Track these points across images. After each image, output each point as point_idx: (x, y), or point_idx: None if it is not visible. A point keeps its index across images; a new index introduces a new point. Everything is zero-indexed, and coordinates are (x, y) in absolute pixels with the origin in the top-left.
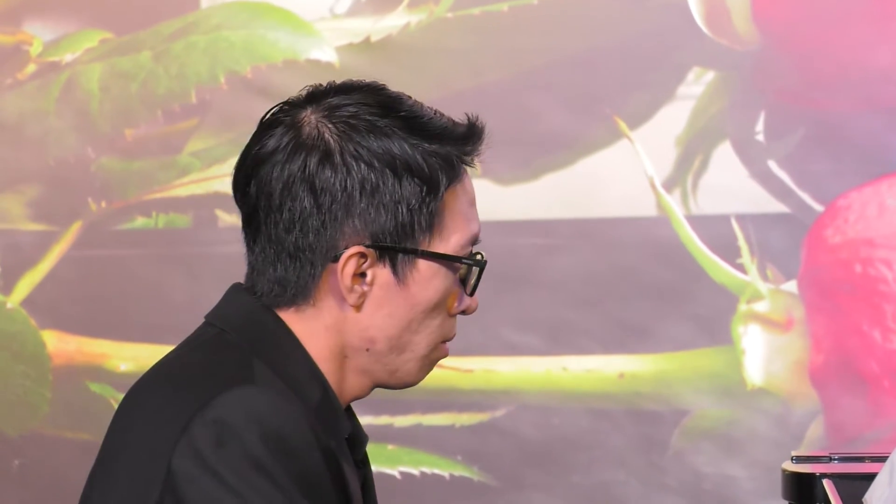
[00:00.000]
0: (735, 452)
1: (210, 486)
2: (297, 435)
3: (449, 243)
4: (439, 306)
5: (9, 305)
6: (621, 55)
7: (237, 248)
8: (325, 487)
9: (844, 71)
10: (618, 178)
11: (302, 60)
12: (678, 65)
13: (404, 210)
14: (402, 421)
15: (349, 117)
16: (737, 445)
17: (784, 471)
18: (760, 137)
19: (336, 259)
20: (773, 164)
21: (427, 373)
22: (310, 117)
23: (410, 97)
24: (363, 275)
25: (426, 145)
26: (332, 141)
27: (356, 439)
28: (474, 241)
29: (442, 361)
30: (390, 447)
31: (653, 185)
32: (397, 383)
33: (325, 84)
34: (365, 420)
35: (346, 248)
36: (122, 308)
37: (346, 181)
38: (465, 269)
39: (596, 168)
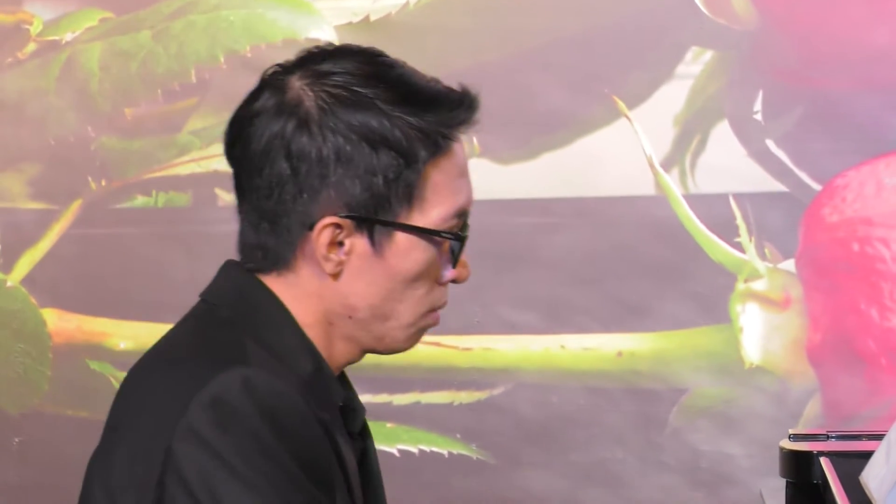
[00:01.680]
0: (733, 430)
1: (214, 470)
2: (295, 414)
3: (430, 217)
4: (422, 277)
5: (9, 284)
6: (620, 35)
7: (236, 226)
8: (324, 463)
9: (842, 50)
10: (616, 158)
11: (301, 40)
12: (676, 44)
13: (380, 182)
14: (400, 399)
15: (332, 86)
16: (734, 423)
17: (781, 449)
18: (758, 116)
19: (311, 227)
20: (770, 144)
21: (416, 340)
22: (295, 83)
23: (405, 65)
24: (340, 244)
25: (409, 118)
26: (311, 109)
27: (352, 410)
28: (461, 213)
29: (441, 340)
30: (389, 425)
31: (651, 165)
32: (386, 349)
33: (321, 46)
34: (364, 398)
35: (322, 216)
36: (122, 286)
37: (321, 149)
38: (449, 242)
39: (594, 147)
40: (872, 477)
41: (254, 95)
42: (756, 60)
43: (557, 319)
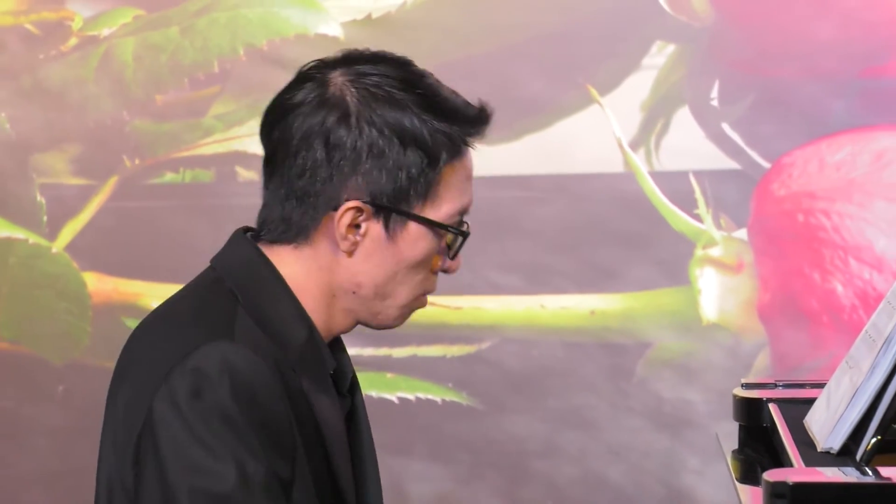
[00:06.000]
0: (692, 380)
1: (181, 433)
2: (265, 388)
3: (440, 211)
4: (423, 264)
5: (54, 250)
6: (593, 30)
7: (254, 200)
8: (287, 437)
9: (790, 43)
10: (589, 139)
11: (311, 35)
12: (643, 38)
13: (404, 176)
14: (399, 352)
15: (372, 86)
16: (693, 374)
17: (735, 396)
18: (715, 103)
19: (336, 208)
20: (726, 126)
21: (404, 319)
22: (337, 79)
23: (432, 76)
24: (358, 226)
25: (435, 122)
26: (351, 104)
27: (341, 373)
28: (464, 212)
29: (435, 300)
30: (389, 375)
31: (620, 145)
32: (377, 325)
33: (359, 49)
34: (367, 351)
35: (347, 200)
36: (154, 253)
37: (357, 141)
38: (451, 236)
39: (570, 130)
40: (815, 421)
41: (294, 86)
42: (713, 53)
43: (538, 282)
